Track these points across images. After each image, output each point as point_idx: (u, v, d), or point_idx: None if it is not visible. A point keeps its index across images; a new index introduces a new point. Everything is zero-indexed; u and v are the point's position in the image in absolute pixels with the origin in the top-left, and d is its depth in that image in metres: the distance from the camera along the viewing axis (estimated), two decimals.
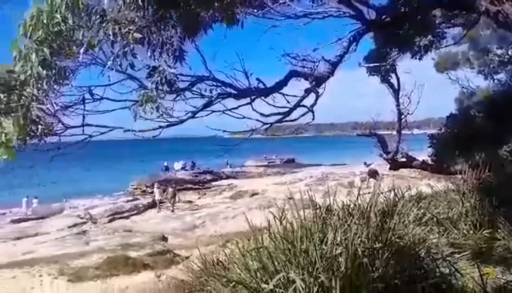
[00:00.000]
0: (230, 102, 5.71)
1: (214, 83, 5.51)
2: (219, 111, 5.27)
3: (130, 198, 26.73)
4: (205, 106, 5.18)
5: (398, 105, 9.96)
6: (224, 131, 5.50)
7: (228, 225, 17.97)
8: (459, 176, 6.46)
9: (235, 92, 5.53)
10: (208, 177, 37.25)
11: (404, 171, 20.16)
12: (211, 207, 24.53)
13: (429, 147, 12.82)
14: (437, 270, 3.36)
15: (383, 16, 7.34)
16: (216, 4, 5.70)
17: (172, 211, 24.31)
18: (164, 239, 16.75)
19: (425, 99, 10.76)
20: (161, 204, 25.26)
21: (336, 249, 2.98)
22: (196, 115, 5.18)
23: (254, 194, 28.28)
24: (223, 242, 11.76)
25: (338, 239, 3.01)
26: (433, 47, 9.90)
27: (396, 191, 5.63)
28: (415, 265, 3.21)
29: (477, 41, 18.38)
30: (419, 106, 10.20)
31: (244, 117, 5.38)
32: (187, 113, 5.32)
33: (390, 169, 11.07)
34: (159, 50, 5.14)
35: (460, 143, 11.31)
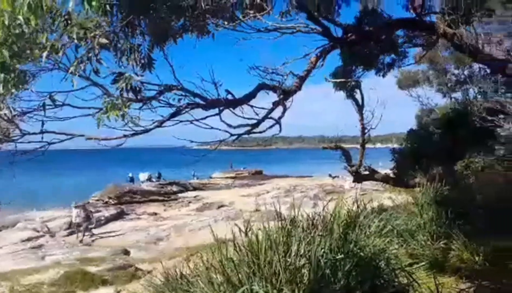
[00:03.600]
0: (198, 113, 5.68)
1: (183, 93, 5.46)
2: (187, 121, 5.22)
3: (91, 210, 25.61)
4: (173, 115, 5.12)
5: (361, 120, 10.31)
6: (191, 141, 5.45)
7: (194, 237, 17.63)
8: (418, 189, 6.74)
9: (203, 103, 5.51)
10: (175, 188, 36.58)
11: (367, 184, 20.75)
12: (177, 219, 24.00)
13: (390, 161, 13.35)
14: (396, 280, 3.46)
15: (349, 34, 7.64)
16: (187, 14, 5.71)
17: (81, 240, 18.94)
18: (126, 252, 16.15)
19: (388, 115, 11.22)
20: (80, 228, 19.59)
21: (299, 260, 3.01)
22: (163, 125, 5.10)
23: (221, 206, 28.03)
24: (188, 255, 11.53)
25: (302, 250, 3.04)
26: (395, 65, 10.42)
27: (359, 203, 5.78)
28: (375, 276, 3.29)
29: (436, 61, 19.57)
30: (383, 122, 10.63)
31: (212, 128, 5.36)
32: (153, 123, 5.23)
33: (354, 181, 11.39)
34: (126, 57, 5.06)
35: (419, 158, 11.87)
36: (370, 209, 6.53)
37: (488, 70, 11.10)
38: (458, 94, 18.63)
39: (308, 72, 7.04)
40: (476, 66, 15.40)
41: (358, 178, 10.93)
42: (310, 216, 4.06)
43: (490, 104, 9.95)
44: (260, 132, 6.56)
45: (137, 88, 4.50)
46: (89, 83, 4.92)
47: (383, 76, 10.28)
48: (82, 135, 4.69)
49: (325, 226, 3.45)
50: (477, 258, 4.52)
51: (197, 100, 5.33)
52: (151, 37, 5.57)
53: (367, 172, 10.64)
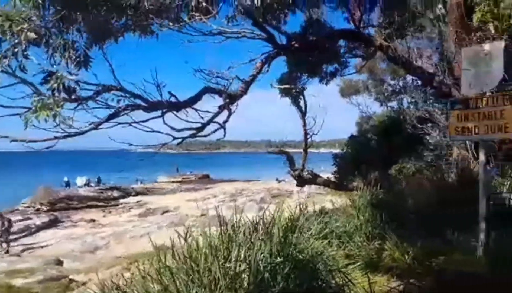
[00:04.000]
0: (140, 115, 5.48)
1: (122, 93, 5.24)
2: (126, 123, 5.00)
3: (20, 217, 23.49)
4: (111, 117, 4.87)
5: (304, 126, 10.64)
6: (130, 144, 5.22)
7: (136, 244, 16.89)
8: (355, 192, 7.07)
9: (145, 104, 5.33)
10: (116, 193, 34.83)
11: (313, 187, 21.37)
12: (117, 226, 22.88)
13: (332, 165, 13.91)
14: (333, 281, 3.58)
15: (293, 42, 7.86)
16: (129, 12, 5.48)
17: (7, 251, 17.63)
18: (59, 263, 15.03)
19: (332, 122, 11.68)
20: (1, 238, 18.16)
21: (240, 265, 2.99)
22: (100, 127, 4.83)
23: (165, 211, 27.23)
24: (128, 264, 11.04)
25: (242, 255, 3.03)
26: (338, 74, 10.90)
27: (301, 206, 5.92)
28: (313, 278, 3.37)
29: (374, 72, 20.86)
30: (327, 128, 11.04)
31: (153, 131, 5.19)
32: (89, 124, 4.94)
33: (296, 185, 11.70)
34: (59, 53, 4.73)
35: (359, 162, 12.51)
36: (312, 211, 6.74)
37: (420, 82, 12.04)
38: (393, 103, 19.95)
39: (254, 77, 7.13)
40: (409, 77, 16.60)
41: (301, 181, 11.24)
42: (253, 220, 4.07)
43: (420, 113, 10.78)
44: (205, 136, 6.50)
45: (71, 88, 4.22)
46: (17, 80, 4.54)
47: (326, 84, 10.71)
48: (6, 137, 4.29)
49: (266, 230, 3.48)
50: (407, 258, 4.83)
51: (138, 101, 5.14)
52: (89, 35, 5.28)
53: (309, 176, 10.98)
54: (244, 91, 7.16)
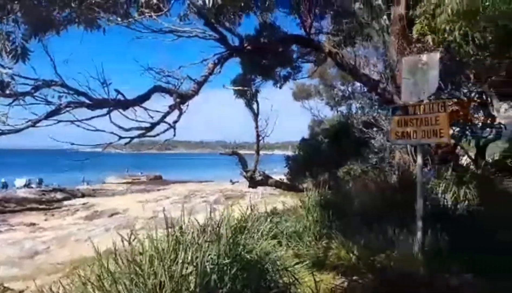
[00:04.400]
0: (83, 113, 5.21)
1: (65, 90, 4.95)
2: (68, 121, 4.72)
3: None
4: (50, 114, 4.58)
5: (257, 128, 10.75)
6: (72, 144, 4.93)
7: (80, 249, 15.96)
8: (306, 193, 7.23)
9: (89, 102, 5.07)
10: (59, 195, 32.82)
11: (267, 188, 21.54)
12: (61, 229, 21.54)
13: (285, 167, 14.18)
14: (281, 281, 3.65)
15: (246, 44, 7.91)
16: (73, 4, 5.20)
17: None
18: None
19: (286, 124, 11.89)
20: None
21: (186, 268, 2.95)
22: (38, 125, 4.52)
23: (114, 213, 26.10)
24: (71, 269, 10.46)
25: (189, 257, 2.99)
26: (291, 78, 11.14)
27: (253, 207, 5.96)
28: (261, 278, 3.41)
29: (325, 77, 21.60)
30: (281, 130, 11.21)
31: (97, 130, 4.94)
32: (27, 121, 4.61)
33: (249, 186, 11.78)
34: None
35: (310, 164, 12.87)
36: (263, 212, 6.81)
37: (366, 88, 12.63)
38: (343, 108, 20.73)
39: (206, 77, 7.07)
40: (357, 84, 17.33)
41: (253, 183, 11.33)
42: (203, 221, 4.02)
43: (366, 118, 11.32)
44: (154, 136, 6.33)
45: (5, 82, 3.92)
46: None
47: (280, 87, 10.90)
48: None
49: (215, 231, 3.46)
50: (351, 256, 5.04)
51: (82, 99, 4.89)
52: (27, 26, 4.94)
53: (261, 177, 11.10)
54: (196, 92, 7.08)
